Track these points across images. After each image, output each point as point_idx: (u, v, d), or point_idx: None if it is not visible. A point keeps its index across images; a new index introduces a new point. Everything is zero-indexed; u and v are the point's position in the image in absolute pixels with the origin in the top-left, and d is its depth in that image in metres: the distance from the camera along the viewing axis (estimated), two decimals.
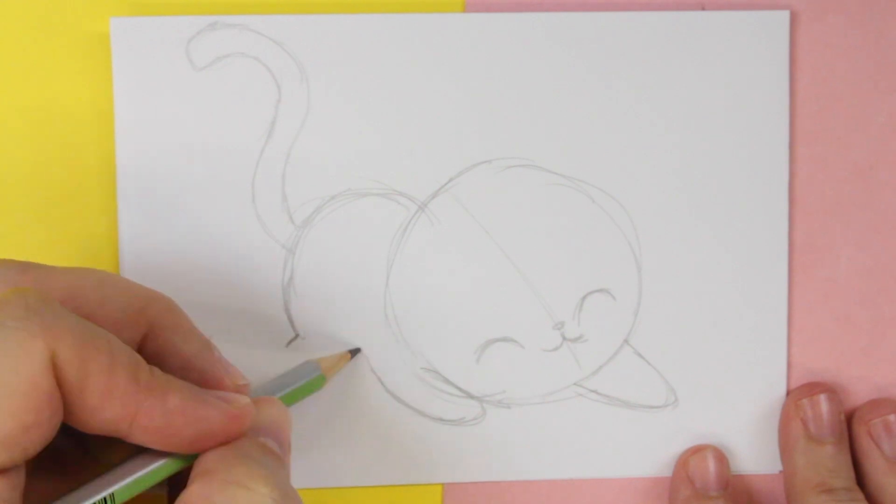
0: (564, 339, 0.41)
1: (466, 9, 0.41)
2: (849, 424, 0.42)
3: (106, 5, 0.40)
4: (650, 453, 0.42)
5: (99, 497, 0.31)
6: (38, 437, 0.29)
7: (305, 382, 0.38)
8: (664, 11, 0.41)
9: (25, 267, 0.33)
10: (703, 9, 0.41)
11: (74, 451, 0.35)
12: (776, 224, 0.42)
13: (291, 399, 0.38)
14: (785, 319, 0.42)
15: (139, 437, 0.31)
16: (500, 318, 0.41)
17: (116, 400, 0.30)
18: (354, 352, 0.40)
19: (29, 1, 0.39)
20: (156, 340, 0.34)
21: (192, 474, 0.32)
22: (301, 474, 0.41)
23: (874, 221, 0.42)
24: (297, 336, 0.41)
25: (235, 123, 0.40)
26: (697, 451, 0.42)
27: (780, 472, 0.42)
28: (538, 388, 0.41)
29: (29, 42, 0.39)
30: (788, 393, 0.42)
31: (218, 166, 0.40)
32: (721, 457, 0.41)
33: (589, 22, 0.41)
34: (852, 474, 0.41)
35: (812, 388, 0.42)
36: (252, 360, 0.40)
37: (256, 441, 0.33)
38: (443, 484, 0.41)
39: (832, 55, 0.42)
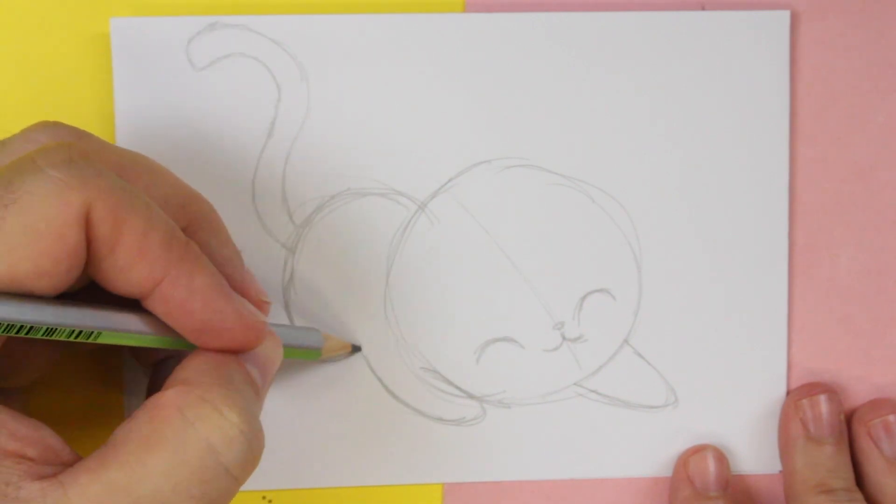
0: (564, 339, 0.41)
1: (466, 9, 0.41)
2: (848, 425, 0.42)
3: (106, 5, 0.40)
4: (650, 453, 0.42)
5: (92, 326, 0.31)
6: (49, 285, 0.29)
7: (303, 345, 0.38)
8: (664, 11, 0.41)
9: (83, 134, 0.33)
10: (703, 9, 0.41)
11: None
12: (776, 224, 0.42)
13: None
14: (785, 319, 0.42)
15: (155, 305, 0.31)
16: (500, 318, 0.41)
17: (146, 263, 0.30)
18: (356, 348, 0.40)
19: (29, 1, 0.39)
20: (192, 238, 0.34)
21: (171, 379, 0.32)
22: (301, 474, 0.41)
23: (874, 221, 0.42)
24: None
25: (235, 123, 0.40)
26: (697, 451, 0.42)
27: (780, 472, 0.42)
28: (538, 388, 0.41)
29: (29, 42, 0.39)
30: (788, 393, 0.42)
31: (218, 166, 0.40)
32: (721, 457, 0.41)
33: (589, 22, 0.41)
34: (851, 475, 0.41)
35: (812, 388, 0.42)
36: None
37: (243, 367, 0.33)
38: (443, 484, 0.42)
39: (832, 55, 0.42)
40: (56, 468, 0.29)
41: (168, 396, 0.31)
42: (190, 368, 0.32)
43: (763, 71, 0.41)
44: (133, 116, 0.39)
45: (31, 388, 0.38)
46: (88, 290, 0.32)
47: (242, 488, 0.41)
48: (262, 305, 0.35)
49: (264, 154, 0.40)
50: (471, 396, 0.41)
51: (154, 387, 0.36)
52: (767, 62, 0.41)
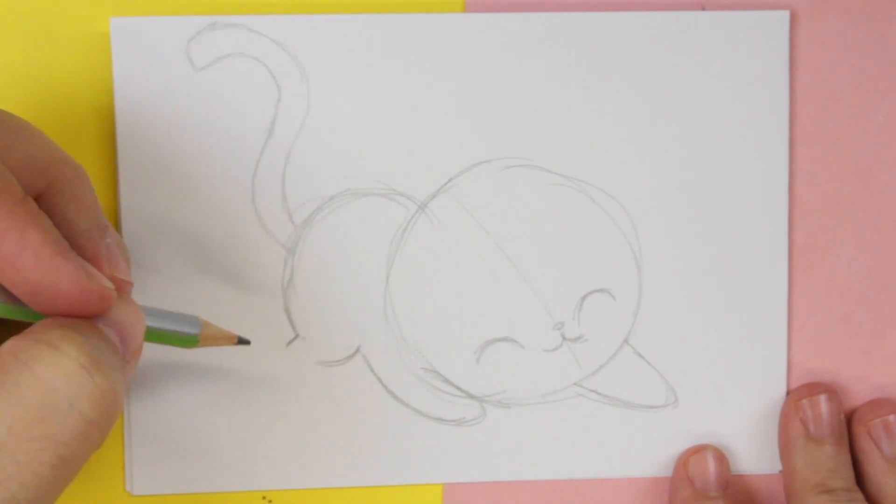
0: (564, 339, 0.41)
1: (466, 9, 0.41)
2: (849, 425, 0.42)
3: (106, 5, 0.40)
4: (650, 453, 0.42)
5: None
6: None
7: (178, 331, 0.36)
8: (664, 11, 0.41)
9: None
10: (703, 9, 0.41)
11: None
12: (776, 224, 0.42)
13: (155, 336, 0.36)
14: (785, 319, 0.42)
15: None
16: (500, 318, 0.41)
17: None
18: (243, 341, 0.39)
19: (29, 1, 0.39)
20: (48, 204, 0.32)
21: None
22: (301, 474, 0.41)
23: (874, 221, 0.42)
24: (297, 336, 0.41)
25: (235, 123, 0.40)
26: (697, 451, 0.42)
27: (780, 472, 0.42)
28: (538, 388, 0.41)
29: (29, 42, 0.39)
30: (788, 393, 0.42)
31: (218, 166, 0.40)
32: (721, 457, 0.41)
33: (589, 22, 0.41)
34: (852, 475, 0.41)
35: (812, 388, 0.42)
36: (252, 361, 0.40)
37: (93, 325, 0.31)
38: (443, 484, 0.42)
39: (832, 55, 0.42)
40: None
41: (4, 346, 0.29)
42: (35, 325, 0.30)
43: (763, 71, 0.41)
44: (133, 116, 0.39)
45: None
46: None
47: (242, 488, 0.41)
48: (117, 282, 0.33)
49: (264, 154, 0.40)
50: (471, 396, 0.41)
51: None
52: (767, 62, 0.41)
